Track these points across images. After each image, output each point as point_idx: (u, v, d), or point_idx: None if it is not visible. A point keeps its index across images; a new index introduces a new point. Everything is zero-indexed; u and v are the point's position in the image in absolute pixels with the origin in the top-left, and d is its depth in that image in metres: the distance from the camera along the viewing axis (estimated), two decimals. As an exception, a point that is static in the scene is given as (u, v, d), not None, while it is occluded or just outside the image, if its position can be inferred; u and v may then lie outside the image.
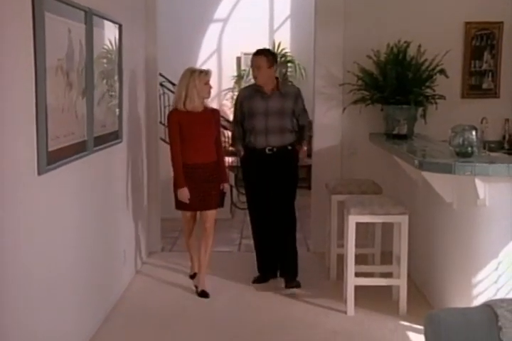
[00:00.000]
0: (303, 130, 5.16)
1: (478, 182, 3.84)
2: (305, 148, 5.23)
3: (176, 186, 4.75)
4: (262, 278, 5.18)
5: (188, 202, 4.71)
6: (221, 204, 4.92)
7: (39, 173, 3.05)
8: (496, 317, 2.05)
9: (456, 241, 4.15)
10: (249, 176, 5.18)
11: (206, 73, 4.75)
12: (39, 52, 2.99)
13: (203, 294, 4.81)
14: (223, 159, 4.95)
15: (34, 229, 3.06)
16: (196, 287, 4.92)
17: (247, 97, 5.09)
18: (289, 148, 5.04)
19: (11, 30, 2.76)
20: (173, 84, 8.58)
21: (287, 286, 4.92)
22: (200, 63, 10.08)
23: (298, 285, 4.90)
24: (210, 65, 9.97)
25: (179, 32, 9.72)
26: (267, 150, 5.01)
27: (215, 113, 4.94)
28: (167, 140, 5.09)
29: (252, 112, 5.01)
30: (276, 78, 5.08)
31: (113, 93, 4.48)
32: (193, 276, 5.10)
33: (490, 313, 2.08)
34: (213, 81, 9.92)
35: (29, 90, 2.96)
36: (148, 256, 5.85)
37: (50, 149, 3.13)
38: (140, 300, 4.75)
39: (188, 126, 4.70)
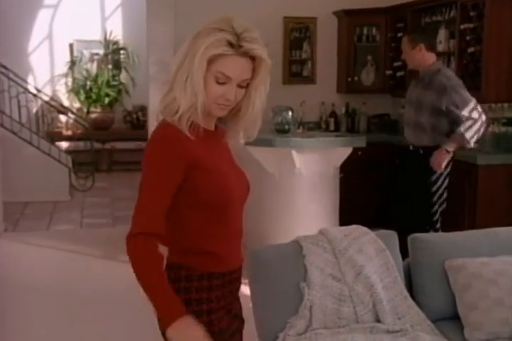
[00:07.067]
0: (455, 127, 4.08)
1: (294, 153, 4.52)
2: (445, 150, 4.04)
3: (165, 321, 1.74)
4: None
5: None
6: None
7: None
8: (301, 248, 2.64)
9: (279, 205, 4.80)
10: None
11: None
12: None
13: None
14: None
15: None
16: None
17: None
18: (421, 152, 4.22)
19: None
20: (6, 68, 8.53)
21: None
22: (32, 49, 10.05)
23: None
24: (42, 51, 10.02)
25: (6, 18, 9.55)
26: (410, 147, 4.34)
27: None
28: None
29: (406, 99, 4.47)
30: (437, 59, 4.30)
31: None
32: None
33: (296, 246, 2.67)
34: (46, 67, 10.07)
35: None
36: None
37: None
38: None
39: (213, 176, 1.92)
